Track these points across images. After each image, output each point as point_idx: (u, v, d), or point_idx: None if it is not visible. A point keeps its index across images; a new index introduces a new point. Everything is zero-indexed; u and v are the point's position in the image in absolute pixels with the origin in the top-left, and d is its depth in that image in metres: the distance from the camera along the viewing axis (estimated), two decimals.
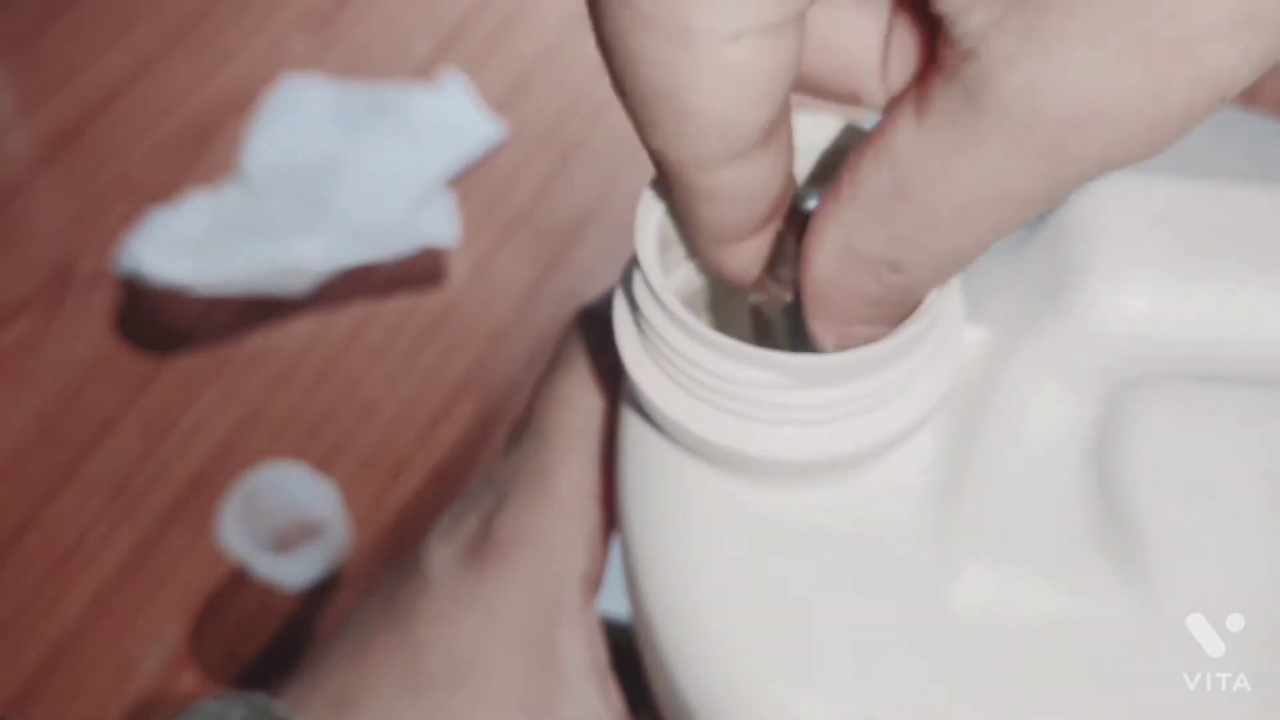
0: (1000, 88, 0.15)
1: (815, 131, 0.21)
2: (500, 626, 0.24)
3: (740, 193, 0.18)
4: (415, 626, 0.24)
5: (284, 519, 0.56)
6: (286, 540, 0.56)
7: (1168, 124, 0.15)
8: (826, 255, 0.18)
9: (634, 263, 0.21)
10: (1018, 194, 0.16)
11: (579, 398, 0.25)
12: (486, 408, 0.61)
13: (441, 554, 0.25)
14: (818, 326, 0.20)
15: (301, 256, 0.64)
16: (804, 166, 0.22)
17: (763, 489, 0.22)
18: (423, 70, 0.75)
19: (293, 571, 0.54)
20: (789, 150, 0.19)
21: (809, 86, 0.19)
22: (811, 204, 0.21)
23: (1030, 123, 0.15)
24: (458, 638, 0.24)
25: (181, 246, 0.64)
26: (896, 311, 0.19)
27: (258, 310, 0.65)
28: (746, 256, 0.20)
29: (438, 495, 0.58)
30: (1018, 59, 0.14)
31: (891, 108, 0.17)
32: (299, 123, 0.71)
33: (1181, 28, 0.14)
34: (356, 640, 0.25)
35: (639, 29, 0.15)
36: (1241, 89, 0.15)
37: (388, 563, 0.56)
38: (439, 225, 0.66)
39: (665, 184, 0.19)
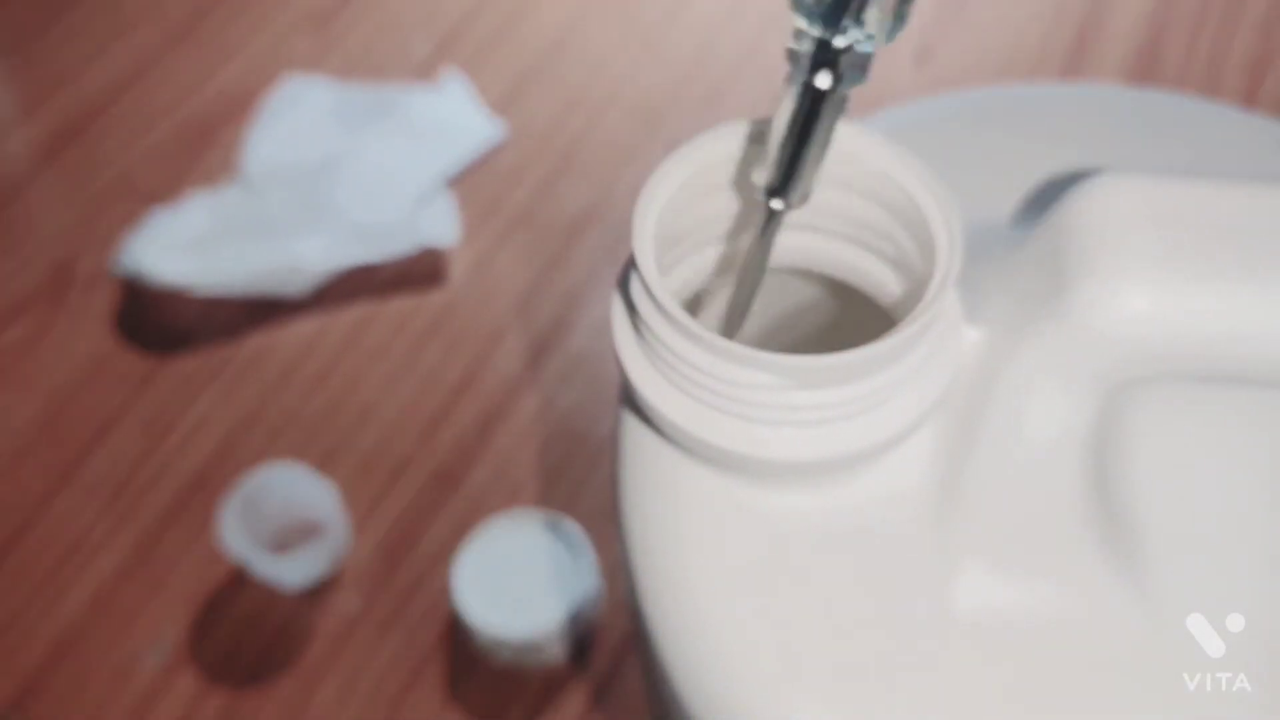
0: None
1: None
2: None
3: None
4: None
5: (284, 519, 0.56)
6: (286, 540, 0.56)
7: None
8: None
9: (631, 264, 0.21)
10: None
11: None
12: (486, 408, 0.61)
13: None
14: None
15: (301, 256, 0.64)
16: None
17: (761, 490, 0.22)
18: (423, 70, 0.75)
19: (293, 572, 0.54)
20: None
21: None
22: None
23: None
24: None
25: (181, 246, 0.64)
26: None
27: (258, 310, 0.65)
28: None
29: (438, 495, 0.58)
30: None
31: None
32: (299, 123, 0.71)
33: None
34: None
35: None
36: None
37: (388, 562, 0.56)
38: (439, 225, 0.66)
39: None
